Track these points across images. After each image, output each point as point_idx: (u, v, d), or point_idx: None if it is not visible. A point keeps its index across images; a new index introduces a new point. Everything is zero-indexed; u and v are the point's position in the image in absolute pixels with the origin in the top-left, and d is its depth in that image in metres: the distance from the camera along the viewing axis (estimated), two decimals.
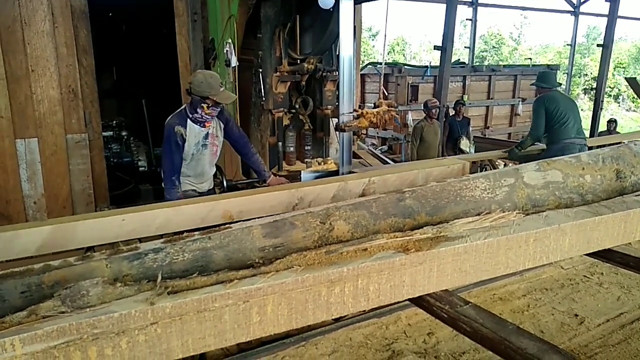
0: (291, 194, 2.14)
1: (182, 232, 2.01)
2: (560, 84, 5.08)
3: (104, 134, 5.72)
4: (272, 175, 3.35)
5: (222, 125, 3.28)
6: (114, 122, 6.95)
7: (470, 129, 7.38)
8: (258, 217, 1.36)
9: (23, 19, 4.08)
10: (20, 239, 1.74)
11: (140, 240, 2.04)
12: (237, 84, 3.92)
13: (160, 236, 2.11)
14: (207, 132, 3.17)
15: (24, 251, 1.74)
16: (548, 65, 12.23)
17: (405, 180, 2.31)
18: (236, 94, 3.87)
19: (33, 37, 4.13)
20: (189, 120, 3.07)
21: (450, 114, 7.62)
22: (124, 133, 6.90)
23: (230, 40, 3.79)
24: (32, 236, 1.75)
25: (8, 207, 4.27)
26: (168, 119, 3.10)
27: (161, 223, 1.96)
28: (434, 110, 6.19)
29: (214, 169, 3.41)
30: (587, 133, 10.12)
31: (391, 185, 2.26)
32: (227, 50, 3.79)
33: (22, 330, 0.85)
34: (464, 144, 6.80)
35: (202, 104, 3.01)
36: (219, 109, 3.09)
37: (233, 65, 3.80)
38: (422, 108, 6.40)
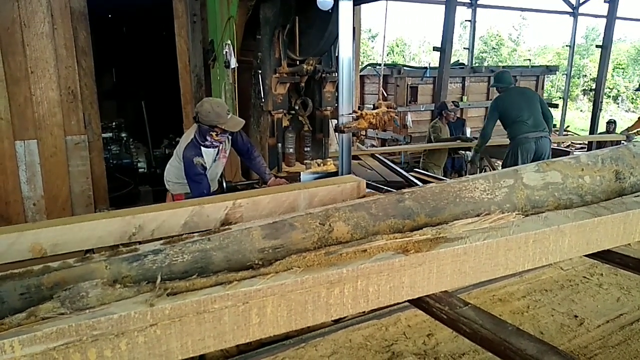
0: (126, 222, 1.80)
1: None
2: (512, 83, 5.34)
3: (104, 135, 5.73)
4: (272, 177, 3.37)
5: (229, 137, 3.35)
6: (114, 123, 6.96)
7: (468, 129, 7.35)
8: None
9: (22, 21, 4.08)
10: None
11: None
12: (236, 85, 3.92)
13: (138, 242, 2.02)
14: (218, 149, 3.24)
15: None
16: (547, 66, 12.25)
17: (283, 203, 1.98)
18: (235, 96, 3.89)
19: (32, 38, 4.13)
20: (202, 147, 3.13)
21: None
22: (123, 134, 6.90)
23: (229, 42, 3.79)
24: None
25: (7, 208, 4.27)
26: (183, 151, 3.12)
27: None
28: (452, 114, 6.34)
29: (221, 176, 3.47)
30: (586, 133, 10.13)
31: (264, 209, 1.94)
32: (226, 52, 3.79)
33: (21, 331, 0.85)
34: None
35: (211, 132, 3.07)
36: (227, 135, 3.17)
37: (232, 66, 3.80)
38: (437, 109, 6.49)
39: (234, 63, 3.79)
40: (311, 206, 1.96)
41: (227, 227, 1.27)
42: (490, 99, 10.57)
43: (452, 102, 7.29)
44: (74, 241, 1.75)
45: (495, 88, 5.41)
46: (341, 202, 1.47)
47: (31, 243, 1.69)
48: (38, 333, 0.84)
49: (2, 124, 4.12)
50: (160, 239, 1.70)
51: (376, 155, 5.82)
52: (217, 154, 3.30)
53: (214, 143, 3.17)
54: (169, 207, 1.96)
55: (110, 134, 6.78)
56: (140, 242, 1.84)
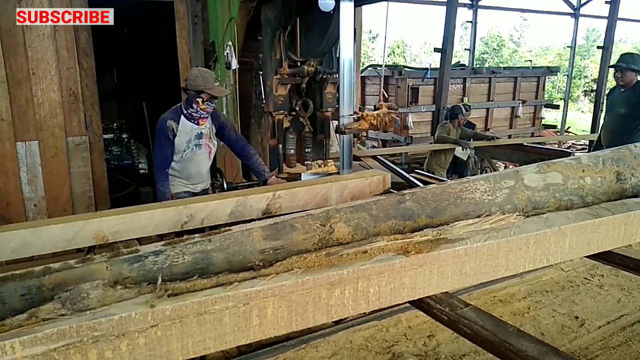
0: (179, 212, 1.92)
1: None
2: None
3: (105, 136, 5.74)
4: (273, 176, 3.35)
5: (214, 130, 3.33)
6: (115, 124, 6.97)
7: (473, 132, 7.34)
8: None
9: None
10: None
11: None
12: (237, 86, 3.93)
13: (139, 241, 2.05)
14: (201, 132, 3.23)
15: None
16: (548, 67, 12.24)
17: (317, 194, 2.10)
18: (236, 97, 3.89)
19: (34, 40, 4.14)
20: (182, 116, 3.16)
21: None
22: (124, 135, 6.91)
23: (230, 43, 3.80)
24: None
25: (9, 209, 4.27)
26: (163, 115, 3.17)
27: (17, 246, 1.74)
28: (464, 119, 6.38)
29: (208, 171, 3.43)
30: (587, 134, 10.15)
31: (300, 200, 2.07)
32: (227, 53, 3.80)
33: (22, 332, 0.85)
34: (457, 150, 6.81)
35: (197, 99, 3.10)
36: (213, 105, 3.17)
37: (233, 67, 3.80)
38: (450, 111, 6.49)
39: (234, 64, 3.79)
40: (342, 197, 2.06)
41: (227, 228, 1.27)
42: (492, 100, 10.57)
43: (463, 105, 7.31)
44: (133, 229, 1.86)
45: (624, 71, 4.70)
46: (342, 204, 1.47)
47: (95, 231, 1.80)
48: (39, 334, 0.84)
49: (3, 125, 4.13)
50: (203, 229, 1.69)
51: (378, 157, 5.82)
52: (199, 137, 3.23)
53: (199, 111, 3.14)
54: (217, 197, 2.09)
55: (112, 135, 6.79)
56: (189, 232, 1.84)
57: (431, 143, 6.97)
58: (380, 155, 5.82)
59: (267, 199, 2.01)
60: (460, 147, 6.29)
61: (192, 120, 3.17)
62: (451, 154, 6.33)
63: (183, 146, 3.17)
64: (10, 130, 4.17)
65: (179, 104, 3.22)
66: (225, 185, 3.42)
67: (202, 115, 3.17)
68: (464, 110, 6.40)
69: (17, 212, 4.30)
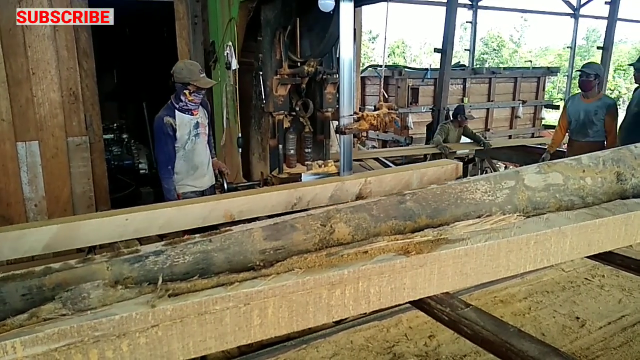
0: (290, 194, 2.17)
1: (184, 232, 2.05)
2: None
3: (105, 136, 5.74)
4: (214, 158, 3.64)
5: (207, 114, 3.48)
6: (115, 124, 6.98)
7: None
8: (257, 218, 1.37)
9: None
10: (27, 239, 1.78)
11: (141, 241, 2.05)
12: (237, 86, 3.93)
13: (161, 237, 2.15)
14: (197, 121, 3.34)
15: (30, 250, 1.78)
16: (548, 68, 12.24)
17: (401, 180, 2.32)
18: (237, 97, 3.89)
19: (34, 40, 4.14)
20: (176, 110, 3.21)
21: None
22: (124, 136, 6.92)
23: (230, 43, 3.79)
24: (37, 235, 1.78)
25: (9, 209, 4.27)
26: (157, 114, 3.24)
27: (164, 222, 1.98)
28: (466, 121, 6.41)
29: (210, 162, 3.49)
30: None
31: (387, 185, 2.28)
32: (227, 53, 3.79)
33: (23, 332, 0.85)
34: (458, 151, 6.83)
35: (184, 91, 3.17)
36: (201, 95, 3.23)
37: (233, 67, 3.80)
38: (453, 111, 6.54)
39: (235, 64, 3.79)
40: (421, 182, 2.27)
41: (228, 228, 1.27)
42: (492, 101, 10.57)
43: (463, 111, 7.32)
44: (254, 209, 2.09)
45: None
46: (342, 204, 1.47)
47: (225, 210, 2.05)
48: (40, 334, 0.84)
49: (3, 125, 4.13)
50: (162, 238, 1.75)
51: (380, 158, 5.83)
52: (196, 127, 3.33)
53: (188, 104, 3.23)
54: (319, 183, 2.33)
55: (112, 135, 6.80)
56: (140, 242, 1.87)
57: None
58: (381, 156, 5.83)
59: (360, 184, 2.24)
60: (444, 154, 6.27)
61: (187, 112, 3.25)
62: (452, 155, 6.34)
63: (184, 138, 3.27)
64: (11, 130, 4.17)
65: (169, 101, 3.29)
66: (225, 186, 3.43)
67: (191, 107, 3.23)
68: (465, 112, 6.43)
69: (18, 212, 4.30)
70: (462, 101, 10.00)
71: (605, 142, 4.70)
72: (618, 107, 5.03)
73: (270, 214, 2.05)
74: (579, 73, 4.77)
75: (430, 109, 7.44)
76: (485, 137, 7.46)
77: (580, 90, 4.81)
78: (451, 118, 6.59)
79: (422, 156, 6.83)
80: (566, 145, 5.18)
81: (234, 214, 2.08)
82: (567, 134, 5.05)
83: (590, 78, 4.58)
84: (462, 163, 2.60)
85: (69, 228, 1.82)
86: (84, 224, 1.84)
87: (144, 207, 2.07)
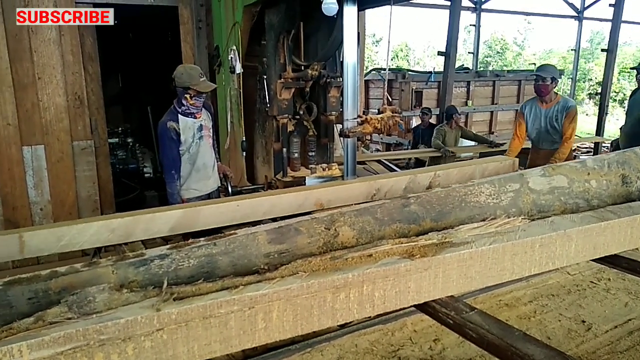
0: (369, 186, 2.38)
1: (188, 236, 2.07)
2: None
3: (110, 140, 5.76)
4: (219, 163, 3.69)
5: (210, 115, 3.51)
6: (120, 129, 7.01)
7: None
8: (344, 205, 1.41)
9: (30, 27, 4.12)
10: (155, 222, 2.01)
11: (146, 245, 2.07)
12: (241, 90, 3.94)
13: (166, 241, 2.17)
14: (201, 124, 3.37)
15: (159, 232, 2.02)
16: None
17: (465, 174, 2.50)
18: (241, 101, 3.90)
19: (40, 45, 4.18)
20: (179, 114, 3.23)
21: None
22: (129, 140, 6.95)
23: (234, 47, 3.81)
24: (166, 219, 2.02)
25: (15, 213, 4.30)
26: (160, 119, 3.28)
27: (268, 209, 2.21)
28: (462, 119, 6.40)
29: (215, 164, 3.52)
30: (592, 137, 10.13)
31: (453, 178, 2.47)
32: (231, 57, 3.81)
33: (29, 336, 0.86)
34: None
35: (185, 95, 3.20)
36: (202, 99, 3.27)
37: (237, 71, 3.81)
38: (446, 112, 6.56)
39: (239, 68, 3.80)
40: (483, 176, 2.39)
41: (232, 232, 1.28)
42: (496, 103, 10.56)
43: (422, 108, 7.32)
44: (340, 199, 2.26)
45: None
46: (346, 207, 1.48)
47: (316, 199, 2.25)
48: (46, 337, 0.85)
49: (9, 129, 4.16)
50: (167, 242, 1.77)
51: (382, 160, 5.83)
52: (200, 129, 3.36)
53: (190, 108, 3.26)
54: (394, 176, 2.57)
55: (117, 139, 6.83)
56: (145, 246, 1.88)
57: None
58: (384, 159, 5.83)
59: (430, 177, 2.42)
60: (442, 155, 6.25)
61: (190, 116, 3.27)
62: (452, 158, 6.33)
63: (189, 142, 3.30)
64: (17, 134, 4.20)
65: (172, 105, 3.33)
66: (230, 189, 3.43)
67: (193, 111, 3.26)
68: (458, 110, 6.43)
69: (24, 216, 4.32)
70: (467, 104, 9.99)
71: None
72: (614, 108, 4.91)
73: (352, 202, 2.22)
74: (534, 77, 4.40)
75: (421, 111, 7.43)
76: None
77: (536, 96, 4.42)
78: (445, 121, 6.57)
79: (415, 159, 6.87)
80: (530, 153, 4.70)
81: (323, 202, 2.28)
82: (525, 141, 4.64)
83: (547, 82, 4.21)
84: (518, 160, 2.76)
85: (191, 212, 2.06)
86: (202, 209, 2.10)
87: (250, 196, 2.41)
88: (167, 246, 1.21)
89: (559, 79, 4.33)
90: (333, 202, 2.26)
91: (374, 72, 10.40)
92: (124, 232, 1.94)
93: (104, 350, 0.89)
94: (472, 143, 6.98)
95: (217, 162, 3.68)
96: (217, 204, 2.15)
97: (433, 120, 7.65)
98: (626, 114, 4.75)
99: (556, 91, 4.40)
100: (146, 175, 6.54)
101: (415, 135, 7.38)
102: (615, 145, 5.04)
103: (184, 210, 2.06)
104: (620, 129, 4.99)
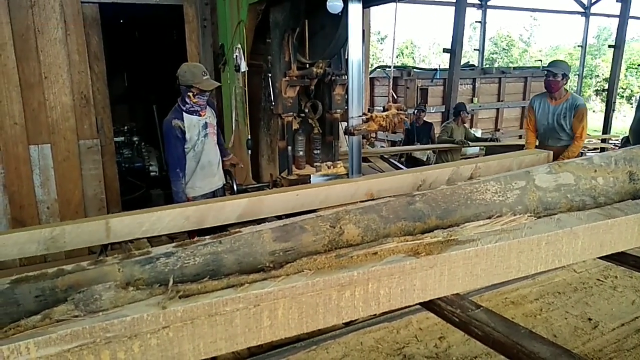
0: (415, 177, 2.46)
1: (193, 234, 2.08)
2: None
3: (116, 139, 5.79)
4: (231, 155, 3.79)
5: (215, 113, 3.55)
6: (126, 127, 7.04)
7: (435, 134, 7.29)
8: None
9: (36, 27, 4.14)
10: (225, 210, 2.13)
11: (151, 243, 2.08)
12: (246, 89, 3.94)
13: (172, 238, 2.18)
14: (205, 122, 3.39)
15: (228, 219, 2.13)
16: None
17: (504, 166, 2.59)
18: (246, 99, 3.90)
19: (46, 44, 4.20)
20: (184, 112, 3.25)
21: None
22: (135, 138, 6.98)
23: (239, 46, 3.81)
24: (234, 207, 2.15)
25: (22, 212, 4.33)
26: (165, 118, 3.31)
27: (324, 198, 2.27)
28: (469, 117, 6.43)
29: (220, 162, 3.53)
30: (598, 134, 10.06)
31: (492, 170, 2.53)
32: (236, 56, 3.81)
33: (36, 333, 0.86)
34: (416, 152, 6.82)
35: (188, 93, 3.21)
36: (205, 97, 3.29)
37: (242, 70, 3.81)
38: (454, 109, 6.59)
39: (244, 67, 3.81)
40: (520, 168, 2.43)
41: (237, 230, 1.28)
42: (502, 100, 10.50)
43: (418, 104, 7.31)
44: (390, 189, 2.29)
45: None
46: (351, 205, 1.48)
47: (367, 188, 2.30)
48: (53, 335, 0.85)
49: (16, 128, 4.18)
50: (173, 240, 1.79)
51: (385, 157, 5.82)
52: (205, 127, 3.37)
53: (194, 106, 3.28)
54: (437, 168, 2.61)
55: (122, 138, 6.86)
56: (151, 244, 1.90)
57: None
58: (388, 155, 5.83)
59: (472, 168, 2.50)
60: (463, 148, 6.32)
61: (194, 114, 3.28)
62: (458, 154, 6.34)
63: (194, 139, 3.32)
64: (23, 133, 4.22)
65: (176, 104, 3.34)
66: (235, 187, 3.44)
67: (197, 109, 3.27)
68: (467, 108, 6.45)
69: (31, 214, 4.35)
70: (472, 101, 9.95)
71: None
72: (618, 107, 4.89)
73: (401, 192, 2.26)
74: (544, 72, 4.40)
75: (422, 108, 7.41)
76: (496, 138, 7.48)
77: (545, 91, 4.42)
78: (453, 117, 6.61)
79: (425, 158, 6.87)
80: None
81: (374, 192, 2.34)
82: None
83: (558, 78, 4.20)
84: (552, 152, 2.79)
85: (255, 202, 2.19)
86: (266, 199, 2.22)
87: (307, 186, 2.50)
88: (173, 244, 1.22)
89: (569, 76, 4.31)
90: (382, 192, 2.32)
91: (379, 69, 10.37)
92: (197, 219, 2.07)
93: (110, 348, 0.90)
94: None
95: (228, 154, 3.74)
96: (279, 194, 2.29)
97: (428, 119, 7.66)
98: (635, 110, 4.71)
99: (566, 88, 4.37)
100: (152, 173, 6.57)
101: (410, 133, 7.32)
102: (625, 142, 5.00)
103: (249, 199, 2.19)
104: (630, 127, 4.95)
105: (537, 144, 4.48)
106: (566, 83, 4.29)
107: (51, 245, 1.84)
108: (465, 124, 6.67)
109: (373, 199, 1.95)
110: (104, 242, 1.93)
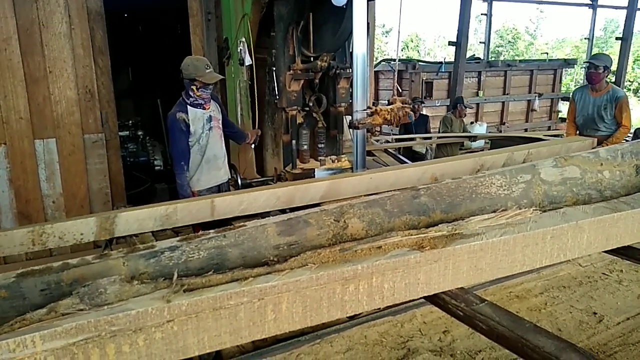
0: (475, 162, 2.57)
1: (197, 227, 2.09)
2: None
3: (121, 133, 5.80)
4: (249, 133, 3.82)
5: (219, 107, 3.58)
6: (130, 121, 7.05)
7: (431, 127, 7.28)
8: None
9: (41, 22, 4.15)
10: (309, 191, 2.33)
11: (156, 237, 2.08)
12: (252, 82, 3.94)
13: (176, 232, 2.20)
14: (210, 115, 3.38)
15: (312, 199, 2.32)
16: (565, 60, 12.05)
17: (554, 152, 2.67)
18: (253, 93, 3.91)
19: (51, 39, 4.20)
20: (188, 106, 3.25)
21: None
22: (140, 133, 6.99)
23: (244, 39, 3.80)
24: (317, 188, 2.35)
25: (27, 206, 4.35)
26: (169, 111, 3.34)
27: (394, 181, 2.42)
28: (466, 110, 6.48)
29: (225, 155, 3.54)
30: None
31: (543, 156, 2.61)
32: (240, 49, 3.80)
33: (42, 327, 0.87)
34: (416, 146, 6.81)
35: (192, 86, 3.23)
36: (208, 90, 3.28)
37: (247, 63, 3.81)
38: (452, 102, 6.64)
39: (248, 60, 3.80)
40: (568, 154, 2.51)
41: (242, 224, 1.28)
42: (508, 94, 10.43)
43: (414, 97, 7.31)
44: (450, 173, 2.40)
45: None
46: (355, 199, 1.47)
47: (432, 173, 2.46)
48: (58, 328, 0.86)
49: (21, 123, 4.20)
50: (177, 234, 1.79)
51: (389, 151, 5.81)
52: (209, 120, 3.38)
53: (197, 99, 3.30)
54: (495, 153, 2.78)
55: (127, 132, 6.87)
56: (155, 237, 1.90)
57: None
58: (392, 150, 5.81)
59: (525, 154, 2.66)
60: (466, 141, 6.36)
61: (199, 107, 3.29)
62: (457, 147, 6.35)
63: (199, 132, 3.32)
64: (29, 128, 4.24)
65: (180, 97, 3.36)
66: (239, 182, 3.44)
67: (200, 102, 3.27)
68: (464, 102, 6.49)
69: (36, 208, 4.38)
70: (477, 94, 9.90)
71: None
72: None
73: (457, 176, 2.35)
74: (586, 65, 4.73)
75: (419, 101, 7.39)
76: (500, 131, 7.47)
77: (587, 83, 4.65)
78: (451, 110, 6.65)
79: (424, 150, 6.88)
80: None
81: (437, 176, 2.48)
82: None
83: (600, 70, 4.40)
84: (596, 140, 2.98)
85: (335, 184, 2.37)
86: (343, 181, 2.39)
87: (378, 170, 2.68)
88: (177, 238, 1.22)
89: (610, 68, 4.53)
90: (445, 176, 2.40)
91: (383, 62, 10.33)
92: (286, 199, 2.27)
93: (115, 341, 0.90)
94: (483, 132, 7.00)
95: (246, 134, 3.82)
96: (354, 177, 2.48)
97: (433, 112, 7.66)
98: None
99: (607, 80, 4.56)
100: (157, 167, 6.59)
101: (406, 125, 7.31)
102: (638, 134, 5.08)
103: (330, 181, 2.38)
104: None
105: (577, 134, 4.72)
106: (607, 75, 4.47)
107: (165, 222, 2.03)
108: (462, 117, 6.67)
109: (377, 193, 1.95)
110: (209, 220, 2.14)
